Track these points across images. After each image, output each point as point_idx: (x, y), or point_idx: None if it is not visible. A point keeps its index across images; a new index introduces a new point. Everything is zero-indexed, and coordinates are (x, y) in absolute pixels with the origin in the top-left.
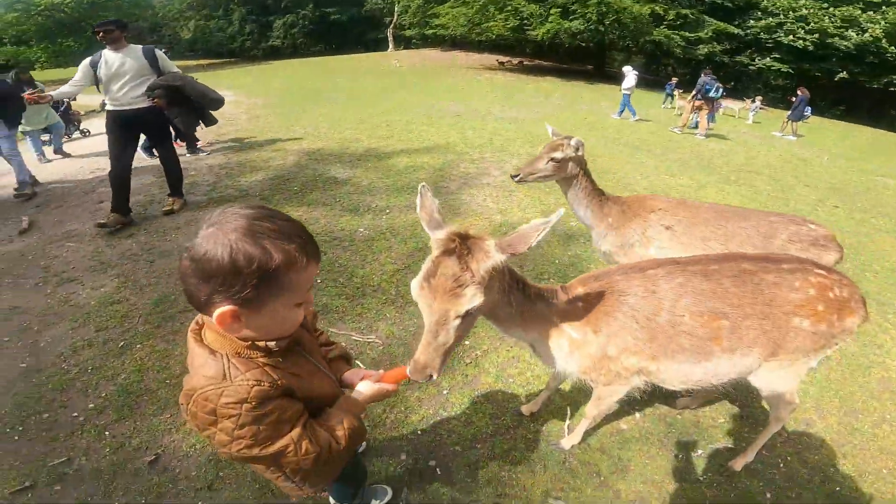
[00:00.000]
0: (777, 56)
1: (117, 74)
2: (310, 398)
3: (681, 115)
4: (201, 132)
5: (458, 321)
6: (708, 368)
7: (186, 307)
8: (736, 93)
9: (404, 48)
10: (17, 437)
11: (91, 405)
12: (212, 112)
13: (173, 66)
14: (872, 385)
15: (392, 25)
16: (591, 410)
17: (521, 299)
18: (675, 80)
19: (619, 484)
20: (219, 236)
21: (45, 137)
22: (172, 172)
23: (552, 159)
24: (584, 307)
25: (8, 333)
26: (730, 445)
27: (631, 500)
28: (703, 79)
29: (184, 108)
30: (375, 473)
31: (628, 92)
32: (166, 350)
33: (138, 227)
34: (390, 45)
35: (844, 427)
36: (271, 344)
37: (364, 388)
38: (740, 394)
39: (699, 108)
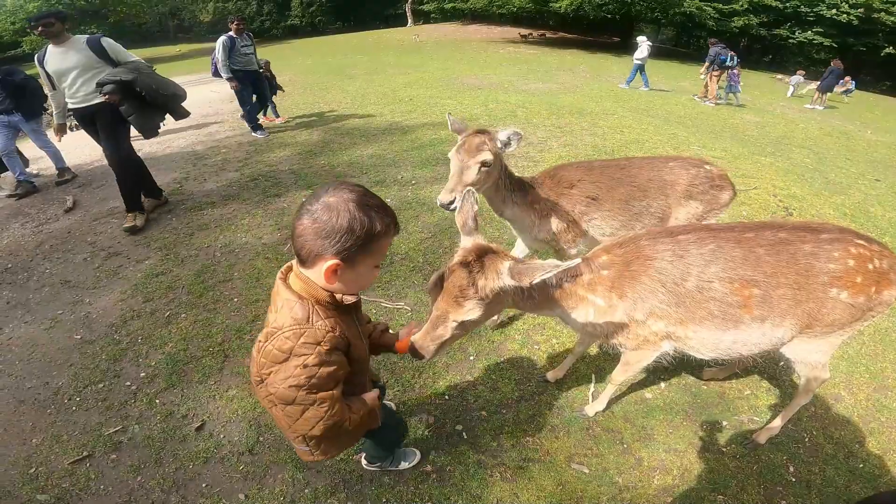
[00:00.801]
0: (819, 30)
1: (64, 70)
2: (353, 359)
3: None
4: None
5: (455, 324)
6: (737, 337)
7: (225, 277)
8: (775, 66)
9: (423, 23)
10: (74, 409)
11: (142, 374)
12: (181, 105)
13: (129, 55)
14: None
15: (410, 0)
16: (618, 376)
17: (543, 287)
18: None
19: (642, 452)
20: (340, 204)
21: None
22: (121, 180)
23: (483, 164)
24: (608, 275)
25: (62, 307)
26: (755, 418)
27: (653, 467)
28: (714, 49)
29: (137, 104)
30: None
31: (641, 62)
32: (208, 319)
33: (176, 202)
34: (409, 20)
35: (873, 403)
36: (349, 298)
37: (371, 396)
38: (768, 367)
39: (717, 79)
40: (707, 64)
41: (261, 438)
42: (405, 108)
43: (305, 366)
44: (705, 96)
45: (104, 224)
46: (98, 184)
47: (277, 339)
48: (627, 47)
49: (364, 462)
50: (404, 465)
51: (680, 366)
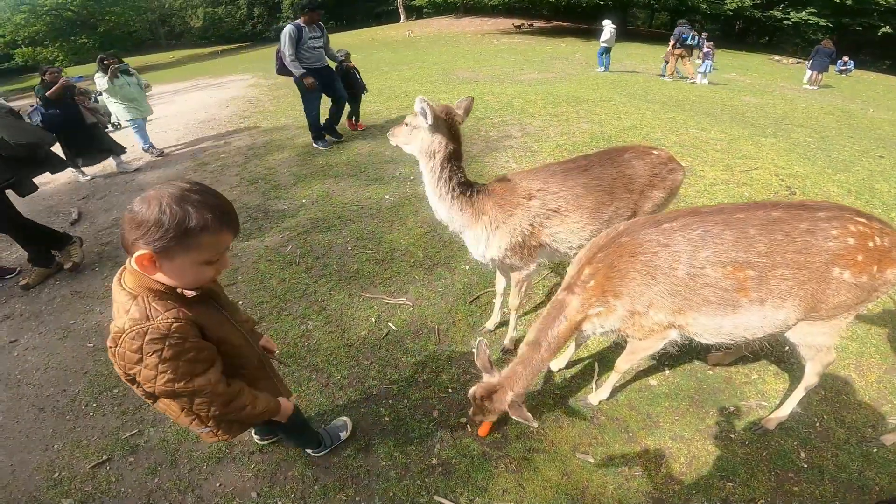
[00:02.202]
0: (813, 10)
1: None
2: (221, 342)
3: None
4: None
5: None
6: (737, 321)
7: (229, 281)
8: (772, 48)
9: (416, 18)
10: (91, 414)
11: None
12: (48, 153)
13: None
14: None
15: None
16: (622, 364)
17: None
18: (705, 34)
19: (648, 440)
20: (155, 197)
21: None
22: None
23: (406, 124)
24: (596, 284)
25: (73, 317)
26: (763, 403)
27: (660, 455)
28: (679, 29)
29: None
30: (410, 431)
31: (607, 45)
32: None
33: None
34: (402, 16)
35: (885, 386)
36: (188, 292)
37: (287, 405)
38: (775, 350)
39: (682, 57)
40: (673, 42)
41: None
42: (401, 105)
43: (165, 360)
44: (674, 74)
45: (109, 234)
46: (101, 195)
47: (125, 342)
48: (623, 34)
49: (311, 452)
50: (343, 435)
51: (685, 351)
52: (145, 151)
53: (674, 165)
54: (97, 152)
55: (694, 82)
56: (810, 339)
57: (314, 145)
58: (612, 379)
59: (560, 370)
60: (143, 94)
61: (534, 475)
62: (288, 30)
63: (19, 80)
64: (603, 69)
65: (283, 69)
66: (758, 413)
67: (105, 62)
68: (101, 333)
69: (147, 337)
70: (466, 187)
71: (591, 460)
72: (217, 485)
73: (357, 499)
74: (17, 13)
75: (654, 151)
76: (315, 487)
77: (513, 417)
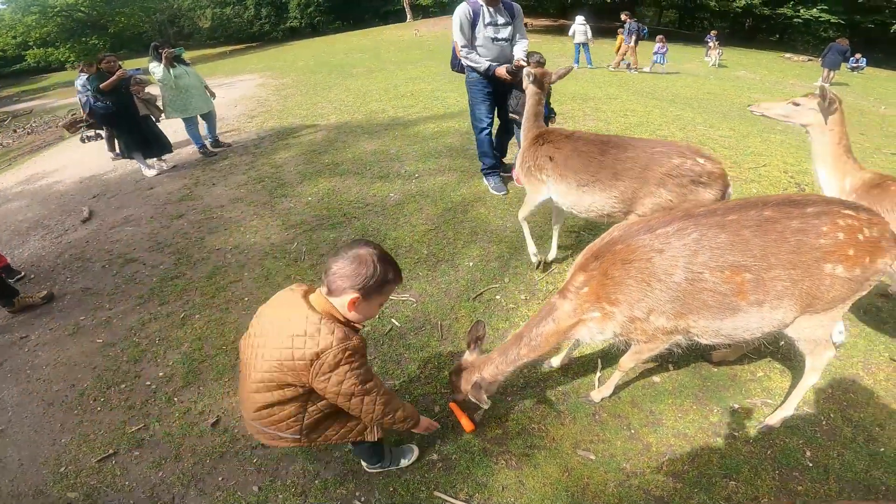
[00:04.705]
0: (824, 7)
1: None
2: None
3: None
4: (238, 121)
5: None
6: (736, 323)
7: (236, 278)
8: (783, 46)
9: (422, 17)
10: (99, 409)
11: (161, 374)
12: None
13: None
14: None
15: None
16: (627, 362)
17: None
18: (714, 32)
19: (650, 437)
20: (368, 257)
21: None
22: None
23: (525, 76)
24: (591, 291)
25: (83, 313)
26: (768, 401)
27: (662, 453)
28: (631, 24)
29: None
30: None
31: (586, 42)
32: (221, 318)
33: (187, 206)
34: (408, 16)
35: (893, 383)
36: (358, 326)
37: (425, 421)
38: (780, 347)
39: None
40: (634, 37)
41: None
42: (407, 103)
43: (355, 368)
44: (635, 66)
45: (120, 232)
46: (112, 193)
47: (328, 356)
48: (627, 31)
49: (365, 465)
50: (404, 462)
51: (689, 349)
52: (200, 152)
53: (711, 183)
54: (146, 148)
55: (640, 72)
56: (808, 333)
57: (485, 182)
58: (616, 377)
59: (562, 366)
60: (202, 85)
61: (534, 472)
62: (459, 11)
63: (31, 81)
64: (577, 66)
65: (458, 64)
66: (763, 411)
67: (159, 49)
68: (109, 329)
69: (347, 352)
70: (539, 121)
71: (593, 457)
72: (220, 479)
73: (357, 493)
74: (28, 14)
75: (699, 158)
76: (316, 482)
77: (469, 396)
